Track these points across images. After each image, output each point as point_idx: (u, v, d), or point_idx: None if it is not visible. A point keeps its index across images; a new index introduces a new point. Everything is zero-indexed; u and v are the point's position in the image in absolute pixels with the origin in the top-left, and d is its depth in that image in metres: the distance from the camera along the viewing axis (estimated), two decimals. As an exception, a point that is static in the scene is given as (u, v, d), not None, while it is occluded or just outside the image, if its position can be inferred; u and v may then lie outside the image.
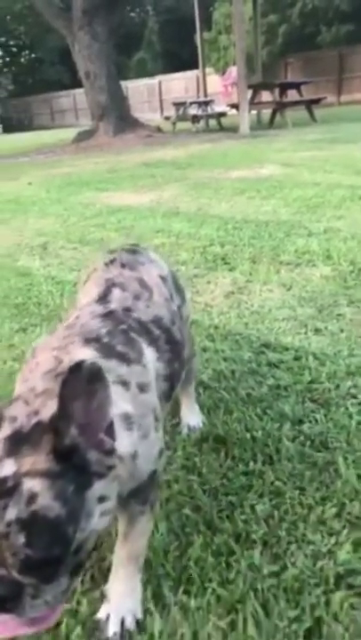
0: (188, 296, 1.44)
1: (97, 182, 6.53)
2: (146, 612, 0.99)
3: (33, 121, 32.28)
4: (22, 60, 40.05)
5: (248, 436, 1.46)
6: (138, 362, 0.96)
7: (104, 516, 0.78)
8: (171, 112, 14.68)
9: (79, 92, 22.60)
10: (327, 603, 0.97)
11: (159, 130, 13.14)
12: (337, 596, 0.98)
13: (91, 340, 0.94)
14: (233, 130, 11.28)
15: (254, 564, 1.07)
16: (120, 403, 0.86)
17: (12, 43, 38.81)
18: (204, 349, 2.01)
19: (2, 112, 33.98)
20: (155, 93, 24.29)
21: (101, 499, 0.77)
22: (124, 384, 0.90)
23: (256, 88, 12.25)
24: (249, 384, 1.73)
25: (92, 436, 0.75)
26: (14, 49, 39.68)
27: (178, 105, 13.86)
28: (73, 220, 4.53)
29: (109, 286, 1.14)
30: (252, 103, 11.93)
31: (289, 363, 1.85)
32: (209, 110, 13.42)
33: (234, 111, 11.80)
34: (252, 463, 1.36)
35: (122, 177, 6.77)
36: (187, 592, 1.02)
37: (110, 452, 0.78)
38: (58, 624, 0.95)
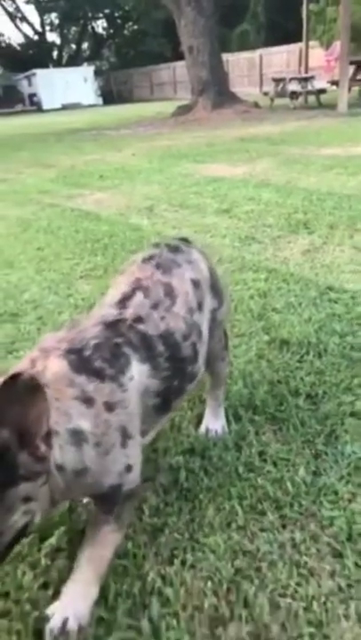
0: (227, 298, 1.48)
1: (195, 155, 7.12)
2: (227, 419, 1.61)
3: (133, 93, 33.21)
4: (125, 31, 40.92)
5: (305, 341, 2.03)
6: (113, 379, 1.00)
7: (27, 515, 0.87)
8: (270, 87, 14.77)
9: (179, 64, 23.04)
10: (342, 423, 1.54)
11: (256, 105, 13.38)
12: (348, 421, 1.55)
13: (73, 351, 1.00)
14: (332, 107, 11.30)
15: (299, 404, 1.66)
16: (75, 418, 0.93)
17: (116, 14, 39.73)
18: (279, 289, 2.58)
19: (103, 84, 35.17)
20: (255, 67, 24.13)
21: (26, 499, 0.86)
22: (88, 401, 0.96)
23: (359, 64, 12.06)
24: (311, 311, 2.28)
25: (28, 441, 0.83)
26: (119, 20, 40.62)
27: (277, 81, 13.95)
28: (174, 188, 5.17)
29: (135, 288, 1.18)
30: (354, 80, 11.81)
31: (346, 300, 2.36)
32: (309, 87, 13.40)
33: (335, 87, 11.76)
34: (305, 356, 1.93)
35: (218, 151, 7.30)
36: (253, 412, 1.64)
37: (42, 458, 0.86)
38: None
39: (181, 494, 1.34)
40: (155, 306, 1.15)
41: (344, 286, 2.53)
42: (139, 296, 1.16)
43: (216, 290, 1.39)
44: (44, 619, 1.00)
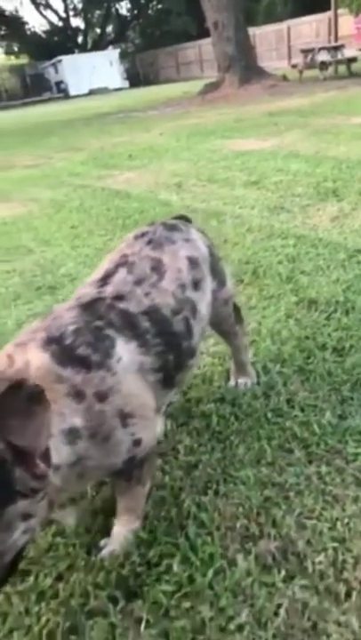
0: (229, 279, 1.48)
1: (222, 131, 7.09)
2: (256, 372, 1.69)
3: (159, 74, 32.87)
4: (150, 11, 40.31)
5: (333, 300, 2.08)
6: (100, 366, 0.95)
7: (27, 533, 0.83)
8: (299, 59, 14.39)
9: (205, 42, 22.64)
10: (368, 372, 1.61)
11: (285, 79, 13.09)
12: (375, 370, 1.61)
13: (52, 340, 0.94)
14: (362, 75, 10.98)
15: (326, 357, 1.72)
16: (69, 417, 0.89)
17: (140, -6, 39.11)
18: (308, 253, 2.61)
19: (129, 67, 34.91)
20: (283, 40, 23.48)
21: (25, 516, 0.81)
22: (78, 395, 0.91)
23: (392, 28, 11.61)
24: (339, 273, 2.32)
25: (26, 457, 0.78)
26: (142, 0, 40.03)
27: (306, 52, 13.57)
28: (202, 164, 5.20)
29: (119, 265, 1.15)
30: (386, 45, 11.40)
31: (374, 261, 2.39)
32: (339, 56, 12.99)
33: (365, 55, 11.39)
34: (333, 314, 1.98)
35: (246, 126, 7.24)
36: (281, 366, 1.71)
37: (41, 477, 0.80)
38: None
39: (213, 436, 1.44)
40: (138, 282, 1.12)
41: (373, 249, 2.55)
42: (121, 273, 1.13)
43: (216, 271, 1.37)
44: (98, 548, 1.14)
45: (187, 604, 0.98)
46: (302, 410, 1.49)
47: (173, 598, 1.00)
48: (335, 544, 1.06)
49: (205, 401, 1.59)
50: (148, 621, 0.97)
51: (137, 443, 1.01)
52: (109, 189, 4.71)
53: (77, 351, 0.94)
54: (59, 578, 1.09)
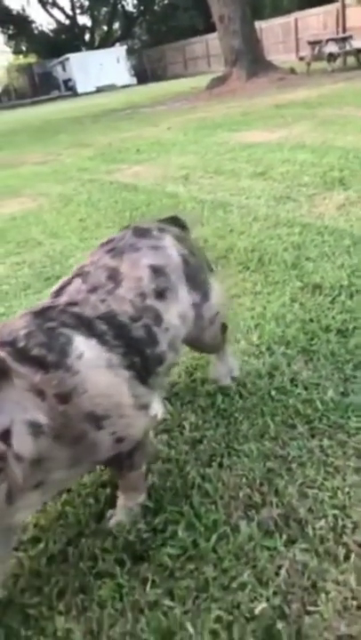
0: (216, 294, 1.37)
1: (230, 124, 7.09)
2: (260, 353, 1.72)
3: (166, 70, 32.80)
4: (156, 7, 40.25)
5: (338, 284, 2.10)
6: (58, 366, 0.91)
7: None
8: (306, 52, 14.31)
9: (211, 37, 22.56)
10: (371, 352, 1.63)
11: (292, 72, 13.03)
12: (378, 349, 1.63)
13: (5, 344, 0.92)
14: (371, 67, 10.90)
15: (329, 339, 1.74)
16: (31, 410, 0.86)
17: (147, -11, 39.04)
18: (313, 240, 2.63)
19: (136, 63, 34.90)
20: (290, 32, 23.33)
21: None
22: (39, 394, 0.88)
23: None
24: (344, 258, 2.34)
25: None
26: (149, -5, 39.92)
27: (313, 44, 13.50)
28: (209, 156, 5.22)
29: (74, 276, 1.13)
30: (395, 36, 11.30)
31: (379, 247, 2.40)
32: (347, 47, 12.90)
33: (374, 46, 11.30)
34: (337, 297, 2.00)
35: (253, 118, 7.24)
36: (286, 347, 1.74)
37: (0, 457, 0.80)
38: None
39: (218, 413, 1.47)
40: (93, 290, 1.08)
41: (378, 235, 2.56)
42: (76, 282, 1.11)
43: (196, 283, 1.28)
44: (106, 518, 1.19)
45: (191, 566, 1.02)
46: (306, 388, 1.52)
47: (178, 561, 1.04)
48: (336, 511, 1.09)
49: (210, 381, 1.62)
50: (153, 581, 1.01)
51: (119, 440, 1.00)
52: (117, 183, 4.76)
53: (32, 352, 0.91)
54: (68, 543, 1.13)
